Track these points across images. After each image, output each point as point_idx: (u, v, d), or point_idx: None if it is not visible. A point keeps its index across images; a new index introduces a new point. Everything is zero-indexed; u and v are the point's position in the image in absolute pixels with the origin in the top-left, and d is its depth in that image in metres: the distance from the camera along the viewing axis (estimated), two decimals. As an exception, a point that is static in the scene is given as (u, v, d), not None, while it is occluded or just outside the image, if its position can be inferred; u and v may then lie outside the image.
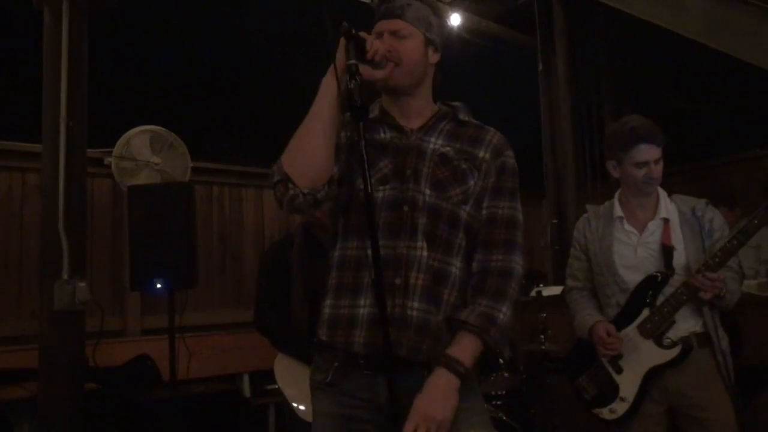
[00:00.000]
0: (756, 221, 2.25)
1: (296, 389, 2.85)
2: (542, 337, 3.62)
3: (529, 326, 3.94)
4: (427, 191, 1.63)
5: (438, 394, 1.51)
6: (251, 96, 10.53)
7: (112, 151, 4.06)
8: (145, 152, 4.07)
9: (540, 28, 5.53)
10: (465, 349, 1.56)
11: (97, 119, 3.48)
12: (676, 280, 2.33)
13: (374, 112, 1.75)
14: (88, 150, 3.39)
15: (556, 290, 4.49)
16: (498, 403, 3.32)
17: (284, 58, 10.77)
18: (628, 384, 2.36)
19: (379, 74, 1.61)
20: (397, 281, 1.58)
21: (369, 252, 1.51)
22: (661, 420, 2.35)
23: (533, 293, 4.00)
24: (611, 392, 2.39)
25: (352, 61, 1.50)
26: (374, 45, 1.57)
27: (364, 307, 1.59)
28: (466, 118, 1.75)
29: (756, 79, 3.62)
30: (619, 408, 2.37)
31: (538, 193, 5.73)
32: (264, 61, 10.67)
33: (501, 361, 3.45)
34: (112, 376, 3.52)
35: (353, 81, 1.48)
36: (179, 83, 10.08)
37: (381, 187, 1.64)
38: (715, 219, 2.39)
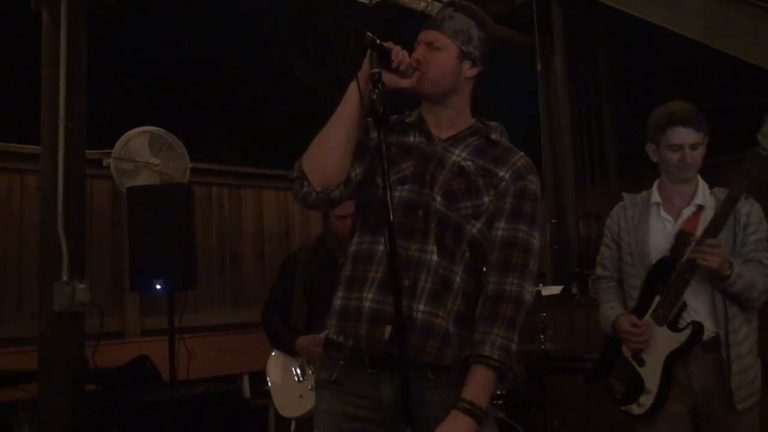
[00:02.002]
0: (740, 179, 2.23)
1: (278, 382, 3.04)
2: (542, 336, 3.61)
3: (528, 326, 3.93)
4: (438, 199, 1.66)
5: None
6: (251, 97, 10.53)
7: (111, 153, 4.05)
8: (144, 153, 4.06)
9: (538, 28, 5.52)
10: (483, 389, 1.57)
11: (95, 120, 3.48)
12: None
13: (412, 116, 1.80)
14: (87, 151, 3.39)
15: (555, 290, 4.49)
16: (498, 402, 3.31)
17: (283, 59, 10.77)
18: (651, 375, 2.33)
19: (405, 83, 1.65)
20: (406, 282, 1.60)
21: (381, 248, 1.62)
22: (687, 420, 2.33)
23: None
24: (637, 386, 2.36)
25: (376, 70, 1.56)
26: (400, 55, 1.61)
27: (367, 300, 1.61)
28: (498, 139, 1.77)
29: (756, 79, 3.62)
30: (646, 401, 2.33)
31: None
32: (263, 61, 10.67)
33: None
34: (111, 378, 3.51)
35: (376, 90, 1.53)
36: (178, 84, 10.08)
37: (399, 187, 1.67)
38: (752, 213, 2.34)
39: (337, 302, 1.69)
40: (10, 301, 3.90)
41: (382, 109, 1.52)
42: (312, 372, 2.92)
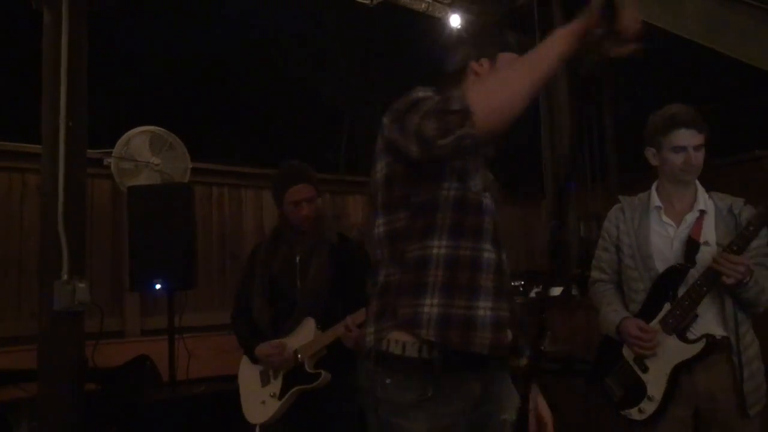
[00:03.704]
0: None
1: (244, 387, 2.86)
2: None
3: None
4: (494, 204, 1.72)
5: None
6: (251, 97, 10.53)
7: (111, 152, 4.06)
8: (144, 153, 4.07)
9: (539, 28, 5.52)
10: None
11: (96, 120, 3.48)
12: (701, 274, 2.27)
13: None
14: (88, 150, 3.39)
15: (555, 291, 4.49)
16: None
17: (284, 59, 10.77)
18: (655, 382, 2.30)
19: (621, 51, 1.37)
20: (509, 286, 1.74)
21: (486, 255, 1.62)
22: (689, 424, 2.30)
23: (533, 293, 3.98)
24: (639, 392, 2.33)
25: (599, 31, 1.32)
26: (631, 18, 1.33)
27: (486, 309, 1.62)
28: None
29: (755, 79, 3.62)
30: (648, 407, 2.30)
31: (538, 193, 5.73)
32: (264, 61, 10.67)
33: None
34: (111, 377, 3.52)
35: (590, 53, 1.34)
36: (178, 84, 10.09)
37: (485, 194, 1.67)
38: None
39: (434, 310, 1.55)
40: (10, 299, 3.90)
41: (591, 74, 1.38)
42: (274, 379, 2.74)
